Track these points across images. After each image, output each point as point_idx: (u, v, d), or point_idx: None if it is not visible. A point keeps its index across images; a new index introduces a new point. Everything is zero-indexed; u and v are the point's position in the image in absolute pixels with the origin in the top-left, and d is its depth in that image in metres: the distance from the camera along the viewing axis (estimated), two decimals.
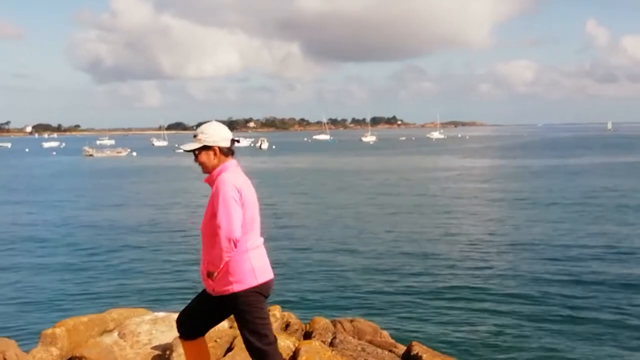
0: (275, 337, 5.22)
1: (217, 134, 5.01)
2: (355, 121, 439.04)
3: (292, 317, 9.75)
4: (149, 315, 8.53)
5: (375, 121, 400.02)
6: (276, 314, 9.54)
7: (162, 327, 8.04)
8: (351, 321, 9.95)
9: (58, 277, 18.17)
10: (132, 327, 7.91)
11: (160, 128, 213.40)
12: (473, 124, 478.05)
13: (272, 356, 5.10)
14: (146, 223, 28.52)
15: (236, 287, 4.88)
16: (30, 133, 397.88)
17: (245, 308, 4.96)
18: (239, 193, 4.81)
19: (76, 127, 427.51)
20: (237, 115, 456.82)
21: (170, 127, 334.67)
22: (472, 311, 14.32)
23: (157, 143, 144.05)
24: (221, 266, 4.84)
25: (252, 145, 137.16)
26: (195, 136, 5.03)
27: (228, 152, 5.04)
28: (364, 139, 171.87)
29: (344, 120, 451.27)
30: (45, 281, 17.67)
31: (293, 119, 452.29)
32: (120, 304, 12.10)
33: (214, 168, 4.99)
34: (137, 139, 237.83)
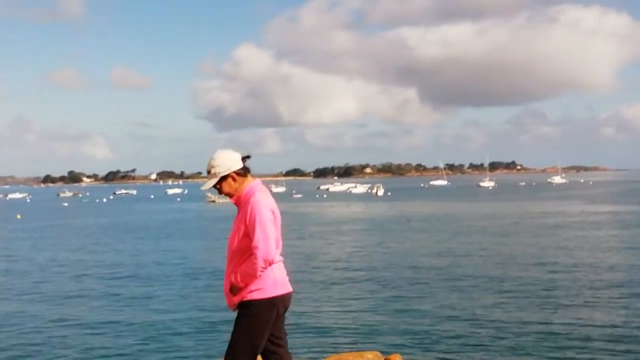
0: None
1: (228, 160, 5.09)
2: (472, 166, 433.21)
3: None
4: None
5: (494, 166, 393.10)
6: None
7: None
8: None
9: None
10: None
11: (278, 174, 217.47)
12: (596, 168, 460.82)
13: None
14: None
15: (255, 295, 4.93)
16: (155, 180, 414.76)
17: (250, 318, 4.94)
18: (273, 215, 4.98)
19: (198, 174, 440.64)
20: (354, 161, 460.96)
21: (287, 174, 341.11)
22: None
23: (276, 189, 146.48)
24: (249, 283, 4.93)
25: (368, 191, 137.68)
26: (208, 172, 5.13)
27: (244, 172, 5.14)
28: (481, 185, 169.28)
29: (461, 166, 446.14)
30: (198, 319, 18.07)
31: (410, 165, 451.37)
32: (342, 348, 12.08)
33: (239, 191, 5.09)
34: None
